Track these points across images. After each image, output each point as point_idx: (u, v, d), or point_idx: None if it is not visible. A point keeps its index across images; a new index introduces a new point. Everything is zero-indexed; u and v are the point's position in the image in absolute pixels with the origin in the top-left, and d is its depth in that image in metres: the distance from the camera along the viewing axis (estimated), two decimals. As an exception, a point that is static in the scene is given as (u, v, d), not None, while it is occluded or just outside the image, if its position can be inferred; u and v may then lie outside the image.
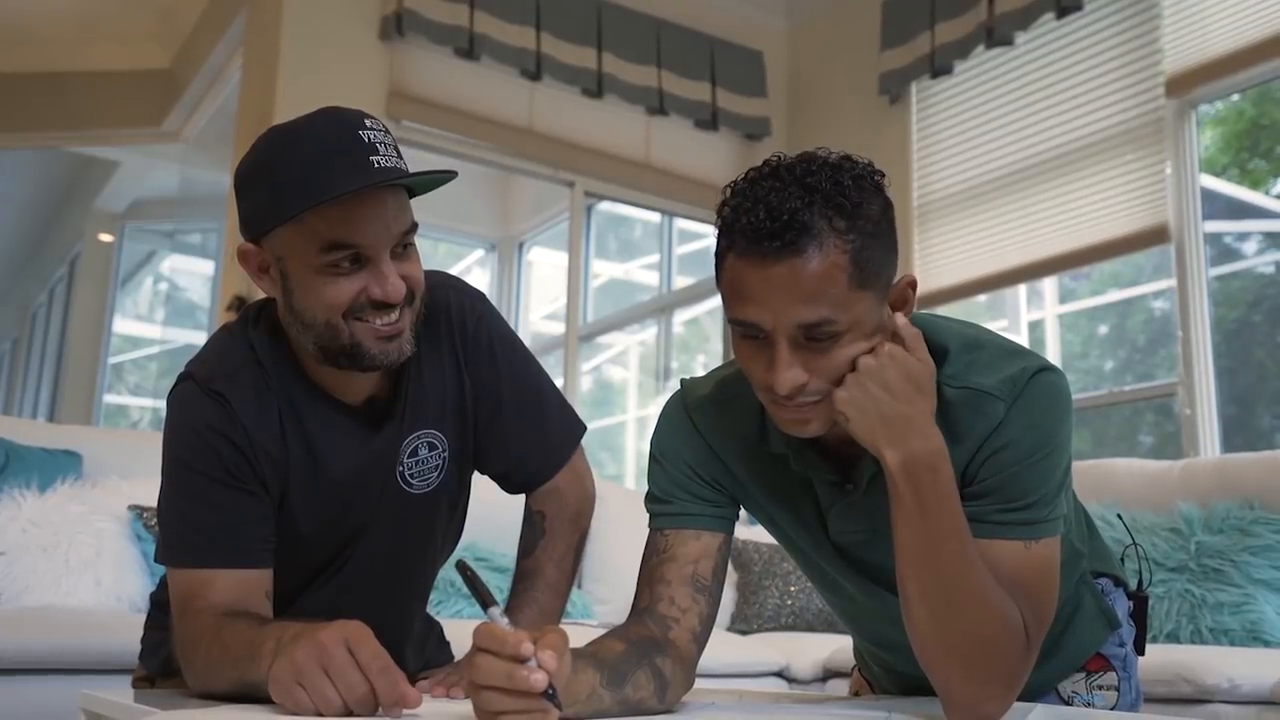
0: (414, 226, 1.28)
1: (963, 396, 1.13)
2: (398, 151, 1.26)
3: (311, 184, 1.19)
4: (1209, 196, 3.85)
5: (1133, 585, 1.44)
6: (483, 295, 1.48)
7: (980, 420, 1.13)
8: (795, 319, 1.04)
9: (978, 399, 1.13)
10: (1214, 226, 3.90)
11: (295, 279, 1.25)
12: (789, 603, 3.50)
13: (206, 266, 7.98)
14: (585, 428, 1.54)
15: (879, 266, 1.06)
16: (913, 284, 1.13)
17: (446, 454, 1.41)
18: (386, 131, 1.26)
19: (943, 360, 1.14)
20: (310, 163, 1.20)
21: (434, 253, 6.51)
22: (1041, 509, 1.12)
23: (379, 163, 1.22)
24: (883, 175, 1.11)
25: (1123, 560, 1.48)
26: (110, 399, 7.85)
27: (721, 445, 1.27)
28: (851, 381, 1.08)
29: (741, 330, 1.09)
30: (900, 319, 1.10)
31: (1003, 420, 1.12)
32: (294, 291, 1.25)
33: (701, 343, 6.36)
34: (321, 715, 1.00)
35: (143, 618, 1.56)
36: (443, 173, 1.26)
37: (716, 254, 1.10)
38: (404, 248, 1.27)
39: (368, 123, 1.24)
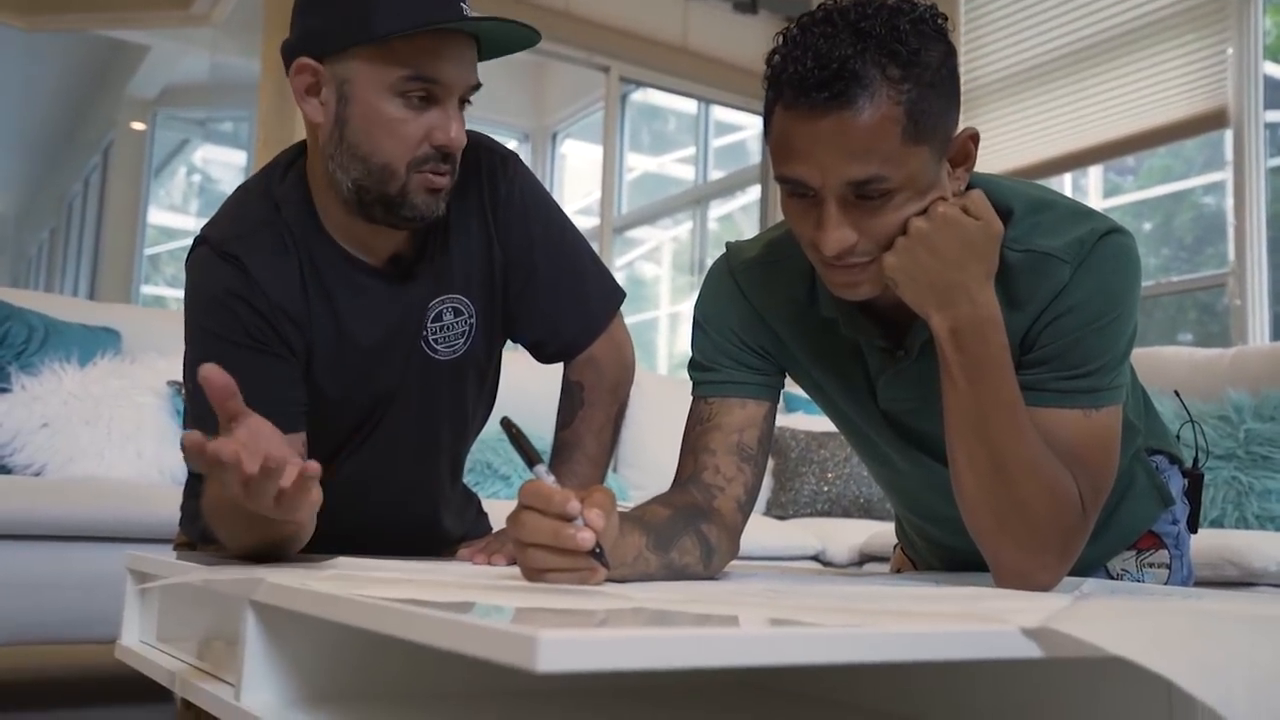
0: (478, 85, 1.25)
1: (1026, 260, 1.09)
2: None
3: (409, 7, 1.16)
4: (1272, 85, 3.70)
5: (1188, 463, 1.40)
6: (516, 156, 1.42)
7: (1044, 284, 1.08)
8: (844, 176, 0.99)
9: (1041, 262, 1.08)
10: (1275, 116, 3.76)
11: (358, 107, 1.20)
12: (825, 489, 3.50)
13: (239, 157, 7.93)
14: (624, 294, 1.50)
15: (937, 119, 1.00)
16: (974, 137, 1.07)
17: (473, 320, 1.37)
18: None
19: (1007, 222, 1.09)
20: None
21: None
22: (1104, 376, 1.08)
23: (466, 9, 1.20)
24: (945, 19, 1.04)
25: (1178, 438, 1.44)
26: (148, 289, 7.90)
27: (768, 308, 1.23)
28: (901, 246, 1.03)
29: (789, 188, 1.04)
30: (952, 192, 1.04)
31: (1067, 284, 1.07)
32: (351, 121, 1.21)
33: (735, 239, 6.29)
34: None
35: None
36: (529, 30, 1.24)
37: (765, 107, 1.05)
38: (462, 105, 1.24)
39: None
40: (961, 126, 1.06)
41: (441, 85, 1.20)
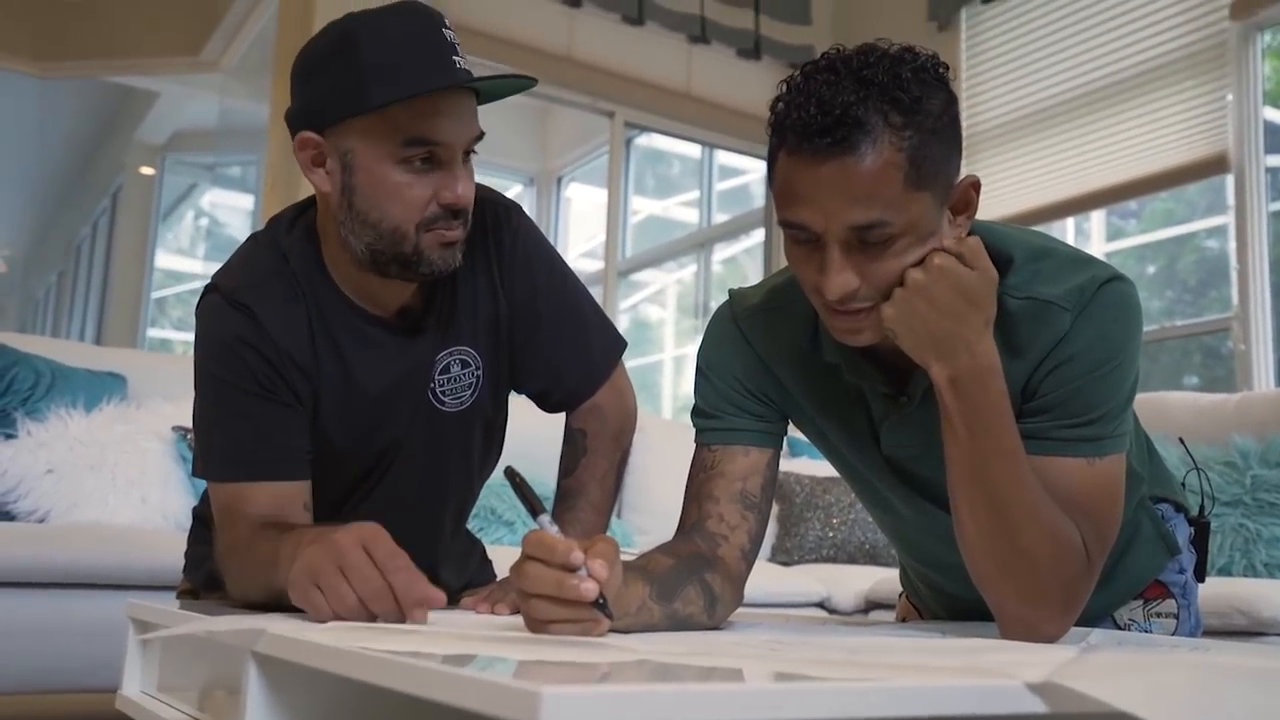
0: (481, 135, 1.25)
1: (1026, 308, 1.09)
2: None
3: (401, 74, 1.16)
4: (1272, 130, 3.72)
5: (1194, 511, 1.39)
6: (519, 208, 1.44)
7: (1044, 332, 1.08)
8: (847, 221, 1.00)
9: (1042, 310, 1.09)
10: (1276, 161, 3.78)
11: (362, 175, 1.21)
12: (830, 535, 3.48)
13: (246, 201, 7.98)
14: (626, 344, 1.50)
15: (938, 166, 1.01)
16: (976, 185, 1.07)
17: (480, 372, 1.38)
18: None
19: (1006, 270, 1.10)
20: (397, 53, 1.17)
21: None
22: (1106, 424, 1.08)
23: (458, 63, 1.21)
24: (946, 68, 1.05)
25: (1183, 485, 1.43)
26: (154, 333, 7.92)
27: (771, 354, 1.24)
28: (898, 298, 1.04)
29: (792, 233, 1.05)
30: (949, 240, 1.05)
31: (1068, 332, 1.08)
32: (358, 189, 1.22)
33: (740, 282, 6.29)
34: (340, 616, 0.97)
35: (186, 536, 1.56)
36: (524, 78, 1.24)
37: (769, 153, 1.06)
38: (467, 156, 1.25)
39: (446, 23, 1.23)
40: (964, 172, 1.07)
41: (443, 145, 1.20)
